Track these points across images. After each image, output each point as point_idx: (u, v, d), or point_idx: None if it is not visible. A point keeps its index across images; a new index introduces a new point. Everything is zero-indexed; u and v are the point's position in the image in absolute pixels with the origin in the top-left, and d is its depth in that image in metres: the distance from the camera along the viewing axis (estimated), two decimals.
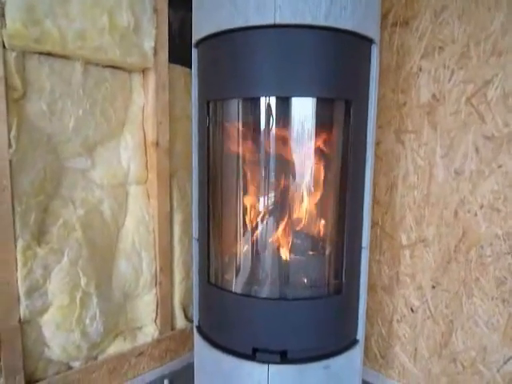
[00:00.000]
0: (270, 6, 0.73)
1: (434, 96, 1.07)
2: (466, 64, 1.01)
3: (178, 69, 1.26)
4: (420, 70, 1.09)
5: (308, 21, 0.74)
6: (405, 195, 1.15)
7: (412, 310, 1.15)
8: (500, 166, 0.96)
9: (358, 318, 0.95)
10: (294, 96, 0.81)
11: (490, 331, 1.00)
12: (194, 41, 0.91)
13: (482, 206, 1.00)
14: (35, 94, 0.99)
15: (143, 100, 1.22)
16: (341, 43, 0.78)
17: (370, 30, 0.82)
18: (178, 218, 1.30)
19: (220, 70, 0.82)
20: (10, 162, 0.94)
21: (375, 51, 0.85)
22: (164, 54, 1.20)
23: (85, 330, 1.10)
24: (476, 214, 1.01)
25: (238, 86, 0.80)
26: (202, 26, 0.85)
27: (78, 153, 1.10)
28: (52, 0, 0.95)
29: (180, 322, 1.34)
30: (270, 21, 0.74)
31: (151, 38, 1.15)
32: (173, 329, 1.32)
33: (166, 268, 1.28)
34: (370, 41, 0.83)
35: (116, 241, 1.20)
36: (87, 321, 1.10)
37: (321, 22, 0.74)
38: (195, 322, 1.03)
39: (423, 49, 1.08)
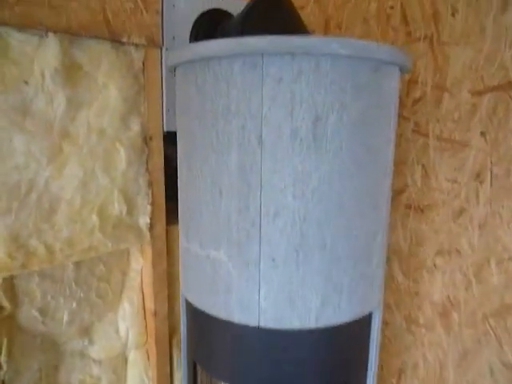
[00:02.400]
0: (254, 307, 0.67)
1: (448, 298, 0.98)
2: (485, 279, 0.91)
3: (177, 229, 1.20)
4: (435, 266, 1.00)
5: (296, 325, 0.67)
6: None
7: None
8: None
9: None
10: None
11: None
12: None
13: None
14: (26, 306, 0.96)
15: (141, 265, 1.17)
16: None
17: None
18: (178, 377, 1.28)
19: None
20: (3, 381, 0.93)
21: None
22: (161, 225, 1.14)
23: None
24: None
25: None
26: None
27: (73, 337, 1.08)
28: (36, 218, 0.91)
29: None
30: (253, 323, 0.67)
31: (146, 214, 1.09)
32: None
33: None
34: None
35: None
36: None
37: (311, 324, 0.67)
38: None
39: (439, 245, 0.98)
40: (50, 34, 0.85)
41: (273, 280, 0.64)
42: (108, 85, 0.98)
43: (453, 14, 0.90)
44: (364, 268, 0.69)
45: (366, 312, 0.72)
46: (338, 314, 0.68)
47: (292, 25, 0.80)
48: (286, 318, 0.66)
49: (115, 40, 0.97)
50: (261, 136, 0.61)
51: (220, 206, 0.65)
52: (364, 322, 0.73)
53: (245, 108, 0.61)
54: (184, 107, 0.71)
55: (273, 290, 0.65)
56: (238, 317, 0.67)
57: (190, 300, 0.76)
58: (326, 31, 1.16)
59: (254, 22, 0.82)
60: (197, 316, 0.75)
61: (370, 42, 0.60)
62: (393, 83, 0.68)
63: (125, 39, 0.98)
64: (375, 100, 0.64)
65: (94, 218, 0.99)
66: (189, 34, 1.09)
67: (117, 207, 1.03)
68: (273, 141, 0.61)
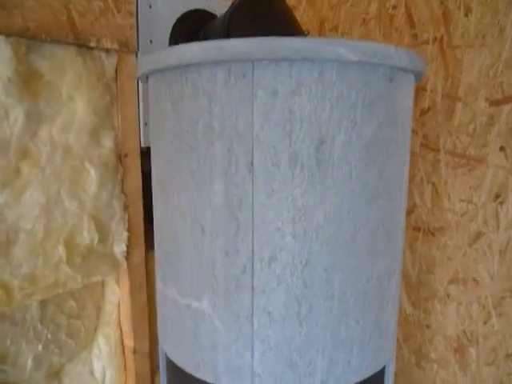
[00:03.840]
0: (246, 371, 0.54)
1: (464, 333, 0.87)
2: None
3: None
4: (448, 296, 0.89)
5: None
6: None
7: None
8: None
9: None
10: None
11: None
12: None
13: None
14: None
15: (118, 297, 1.04)
16: None
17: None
18: None
19: None
20: None
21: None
22: (139, 252, 1.01)
23: None
24: None
25: None
26: None
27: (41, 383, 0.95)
28: None
29: None
30: None
31: (122, 241, 0.97)
32: None
33: None
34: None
35: None
36: None
37: None
38: None
39: (453, 272, 0.87)
40: (0, 38, 0.72)
41: (269, 338, 0.52)
42: (74, 96, 0.85)
43: (466, 14, 0.80)
44: (377, 317, 0.57)
45: (379, 367, 0.61)
46: (348, 373, 0.56)
47: (286, 26, 0.69)
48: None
49: (82, 45, 0.85)
50: (252, 162, 0.49)
51: (202, 248, 0.53)
52: (376, 379, 0.62)
53: (231, 127, 0.49)
54: (157, 126, 0.59)
55: (269, 350, 0.53)
56: (227, 382, 0.55)
57: (170, 356, 0.63)
58: (321, 34, 1.05)
59: (241, 23, 0.70)
60: (178, 376, 0.62)
61: (384, 44, 0.49)
62: (408, 94, 0.57)
63: (93, 44, 0.86)
64: (390, 116, 0.53)
65: (60, 249, 0.86)
66: (168, 37, 0.97)
67: (87, 236, 0.90)
68: (267, 168, 0.49)
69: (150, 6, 0.93)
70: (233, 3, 0.72)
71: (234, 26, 0.71)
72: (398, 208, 0.58)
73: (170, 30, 0.97)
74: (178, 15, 0.98)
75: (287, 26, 0.69)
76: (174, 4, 0.97)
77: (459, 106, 0.82)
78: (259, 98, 0.48)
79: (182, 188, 0.54)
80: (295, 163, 0.48)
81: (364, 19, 0.96)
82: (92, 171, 0.89)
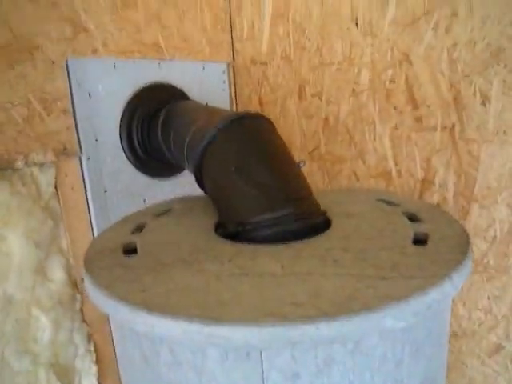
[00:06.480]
0: None
1: None
2: None
3: None
4: None
5: None
6: None
7: None
8: None
9: None
10: None
11: None
12: None
13: None
14: None
15: None
16: None
17: None
18: None
19: None
20: None
21: None
22: (113, 379, 0.86)
23: None
24: None
25: None
26: None
27: None
28: None
29: None
30: None
31: (91, 376, 0.81)
32: None
33: None
34: None
35: None
36: None
37: None
38: None
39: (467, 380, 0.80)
40: None
41: None
42: (5, 234, 0.66)
43: (483, 103, 0.66)
44: None
45: None
46: None
47: (277, 162, 0.53)
48: None
49: (5, 167, 0.65)
50: None
51: None
52: None
53: None
54: (125, 369, 0.44)
55: None
56: None
57: None
58: (300, 99, 0.88)
59: (219, 162, 0.53)
60: None
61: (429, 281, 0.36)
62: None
63: (20, 163, 0.66)
64: (437, 347, 0.40)
65: None
66: (118, 129, 0.77)
67: None
68: None
69: (90, 96, 0.73)
70: (209, 128, 0.55)
71: (210, 162, 0.54)
72: None
73: (119, 118, 0.77)
74: (127, 97, 0.78)
75: (279, 163, 0.53)
76: (120, 84, 0.76)
77: (475, 207, 0.71)
78: (272, 381, 0.34)
79: None
80: None
81: (354, 90, 0.80)
82: (42, 317, 0.72)
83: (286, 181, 0.49)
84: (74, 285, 0.77)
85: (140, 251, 0.46)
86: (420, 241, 0.45)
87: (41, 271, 0.71)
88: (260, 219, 0.45)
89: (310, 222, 0.48)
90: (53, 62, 0.67)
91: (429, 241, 0.44)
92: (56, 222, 0.73)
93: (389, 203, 0.58)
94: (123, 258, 0.45)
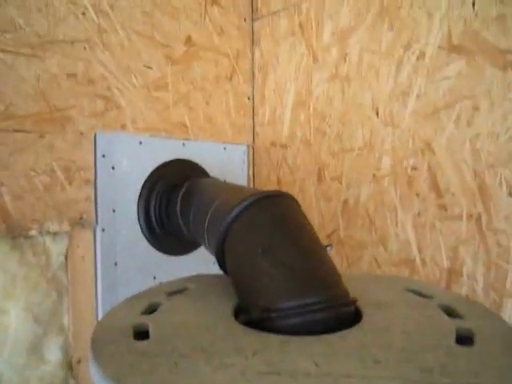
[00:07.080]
0: None
1: None
2: None
3: None
4: None
5: None
6: None
7: None
8: None
9: None
10: None
11: None
12: None
13: None
14: None
15: None
16: None
17: None
18: None
19: None
20: None
21: None
22: None
23: None
24: None
25: None
26: None
27: None
28: None
29: None
30: None
31: None
32: None
33: None
34: None
35: None
36: None
37: None
38: None
39: None
40: None
41: None
42: (5, 308, 0.62)
43: (510, 194, 0.65)
44: None
45: None
46: None
47: (305, 251, 0.50)
48: None
49: (18, 235, 0.63)
50: None
51: None
52: None
53: None
54: None
55: None
56: None
57: None
58: (320, 182, 0.89)
59: (244, 241, 0.51)
60: None
61: None
62: None
63: (34, 231, 0.64)
64: None
65: None
66: (136, 202, 0.77)
67: None
68: None
69: (113, 168, 0.73)
70: (233, 205, 0.53)
71: (233, 241, 0.52)
72: None
73: (138, 192, 0.77)
74: (148, 172, 0.78)
75: (307, 245, 0.50)
76: (144, 160, 0.77)
77: (508, 303, 0.66)
78: None
79: None
80: None
81: (374, 175, 0.80)
82: None
83: (316, 265, 0.46)
84: (69, 366, 0.70)
85: (153, 335, 0.42)
86: (464, 339, 0.40)
87: (36, 351, 0.65)
88: (288, 306, 0.42)
89: (341, 312, 0.44)
90: (81, 134, 0.69)
91: (475, 339, 0.40)
92: (60, 295, 0.68)
93: (420, 294, 0.54)
94: (134, 342, 0.40)
